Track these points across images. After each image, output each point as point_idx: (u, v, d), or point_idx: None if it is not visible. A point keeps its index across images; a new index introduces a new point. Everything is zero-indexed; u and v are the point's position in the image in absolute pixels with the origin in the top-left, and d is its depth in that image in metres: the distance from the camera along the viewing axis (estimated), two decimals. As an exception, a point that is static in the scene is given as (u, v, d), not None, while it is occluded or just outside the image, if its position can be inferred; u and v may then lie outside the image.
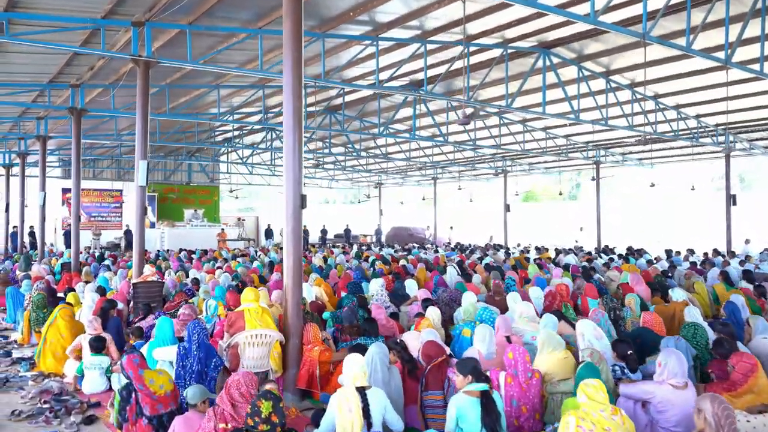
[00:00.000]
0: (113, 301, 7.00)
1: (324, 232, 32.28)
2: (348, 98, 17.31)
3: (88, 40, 10.14)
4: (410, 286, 9.20)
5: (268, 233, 30.96)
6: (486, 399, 3.76)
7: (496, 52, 12.94)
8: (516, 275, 10.89)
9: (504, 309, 7.56)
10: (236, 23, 10.60)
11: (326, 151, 23.70)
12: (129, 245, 25.53)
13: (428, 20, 11.47)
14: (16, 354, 7.20)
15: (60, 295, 8.99)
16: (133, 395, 4.11)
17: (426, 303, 7.14)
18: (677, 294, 7.78)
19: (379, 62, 11.95)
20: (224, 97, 16.49)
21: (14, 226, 21.97)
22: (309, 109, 19.12)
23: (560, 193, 28.34)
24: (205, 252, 19.55)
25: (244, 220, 31.82)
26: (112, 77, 13.22)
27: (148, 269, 8.59)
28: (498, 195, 40.15)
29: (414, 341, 5.31)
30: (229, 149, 26.11)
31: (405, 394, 4.64)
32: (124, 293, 8.85)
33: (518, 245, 25.44)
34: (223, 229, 27.04)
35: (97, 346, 5.81)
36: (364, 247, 24.61)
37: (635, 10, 9.80)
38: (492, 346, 5.16)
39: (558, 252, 20.47)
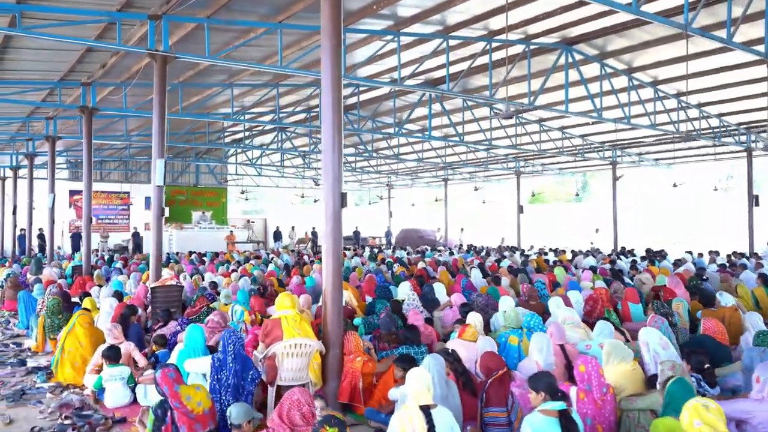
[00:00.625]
0: (134, 307, 6.61)
1: (333, 234, 31.87)
2: (361, 97, 16.90)
3: (102, 35, 9.78)
4: (439, 290, 8.80)
5: (277, 235, 30.61)
6: (565, 419, 3.35)
7: (518, 49, 12.59)
8: (545, 278, 10.48)
9: (541, 314, 7.16)
10: (254, 17, 10.24)
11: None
12: (137, 248, 25.23)
13: (450, 14, 11.10)
14: (30, 363, 6.81)
15: (74, 299, 8.62)
16: (169, 414, 3.71)
17: (464, 308, 6.73)
18: (726, 298, 7.37)
19: (400, 59, 11.60)
20: (236, 97, 16.12)
21: (21, 229, 21.66)
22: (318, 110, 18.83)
23: (576, 194, 27.90)
24: (216, 254, 19.18)
25: (253, 222, 31.47)
26: (124, 75, 12.87)
27: (167, 273, 8.20)
28: (507, 196, 39.71)
29: (464, 351, 4.91)
30: (240, 150, 25.75)
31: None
32: (141, 298, 8.46)
33: (531, 247, 25.02)
34: (231, 231, 26.69)
35: (113, 356, 5.41)
36: (375, 250, 24.20)
37: (675, 1, 9.42)
38: (550, 357, 4.76)
39: (574, 254, 20.08)
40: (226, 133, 23.34)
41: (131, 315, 6.46)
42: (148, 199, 29.61)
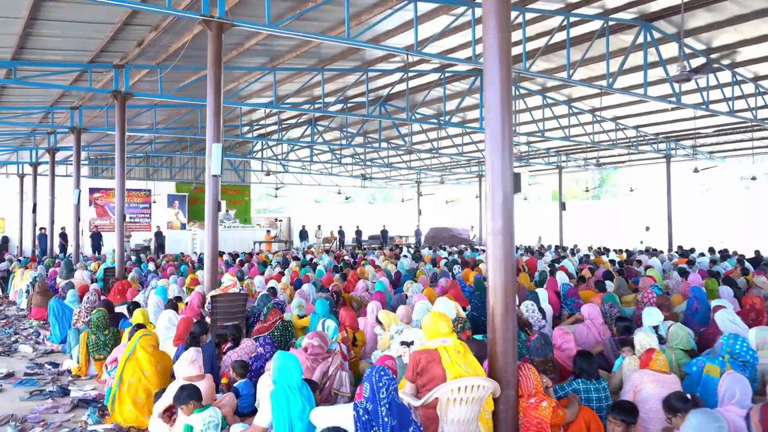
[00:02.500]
0: (204, 323, 5.25)
1: (359, 233, 30.56)
2: (400, 87, 15.47)
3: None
4: (543, 297, 7.42)
5: (303, 234, 29.34)
6: None
7: (595, 26, 11.33)
8: (646, 283, 9.05)
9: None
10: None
11: (376, 145, 22.05)
12: (160, 248, 24.03)
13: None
14: (74, 392, 5.49)
15: (118, 309, 7.31)
16: None
17: (623, 323, 5.31)
18: None
19: (474, 33, 10.26)
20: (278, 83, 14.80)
21: (41, 228, 20.49)
22: (360, 99, 17.49)
23: (631, 190, 26.41)
24: (250, 255, 17.87)
25: (281, 221, 30.20)
26: (160, 57, 11.57)
27: (228, 279, 6.86)
28: (532, 194, 38.11)
29: (658, 388, 3.55)
30: (270, 144, 24.49)
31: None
32: (196, 309, 7.12)
33: (575, 246, 23.56)
34: (269, 231, 25.55)
35: (196, 396, 3.96)
36: (410, 249, 22.81)
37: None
38: (818, 404, 3.35)
39: (629, 253, 18.71)
40: (255, 127, 22.04)
41: (203, 334, 5.10)
42: (170, 196, 28.55)
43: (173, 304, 6.84)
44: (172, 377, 4.76)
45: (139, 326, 5.52)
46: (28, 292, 10.74)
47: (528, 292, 7.43)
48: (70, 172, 24.80)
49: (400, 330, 4.96)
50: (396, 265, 13.41)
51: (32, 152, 21.01)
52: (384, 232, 31.24)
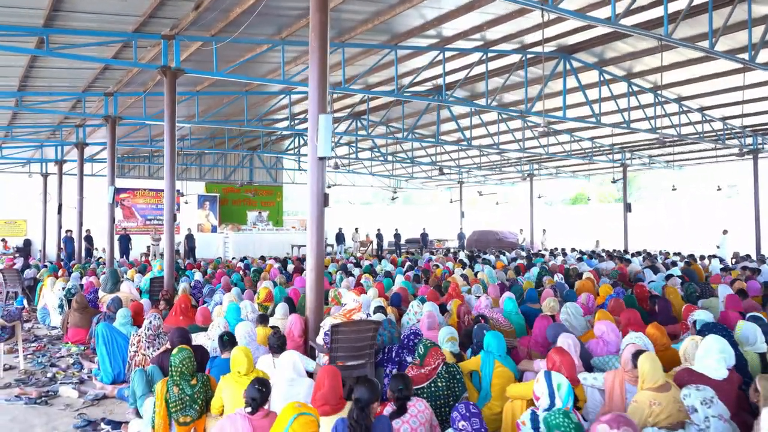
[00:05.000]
0: (375, 385, 3.19)
1: (397, 236, 28.57)
2: (474, 71, 13.50)
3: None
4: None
5: (340, 237, 27.40)
6: None
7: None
8: None
9: None
10: None
11: (433, 140, 20.07)
12: (191, 251, 22.26)
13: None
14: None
15: (196, 340, 5.36)
16: None
17: None
18: None
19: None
20: (335, 66, 12.89)
21: (68, 230, 18.76)
22: (416, 88, 15.60)
23: (674, 189, 24.32)
24: (301, 260, 15.94)
25: (318, 222, 28.21)
26: (217, 26, 9.69)
27: (353, 299, 4.86)
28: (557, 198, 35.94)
29: None
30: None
31: None
32: (297, 340, 5.15)
33: (644, 250, 21.37)
34: None
35: None
36: (466, 254, 20.75)
37: None
38: None
39: (720, 260, 16.60)
40: (297, 121, 20.15)
41: (374, 401, 3.13)
42: (200, 197, 26.83)
43: (281, 337, 4.76)
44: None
45: (262, 384, 3.50)
46: (61, 307, 8.88)
47: (758, 320, 5.37)
48: (96, 171, 23.15)
49: (711, 398, 2.97)
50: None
51: (58, 148, 19.29)
52: (424, 236, 29.24)
